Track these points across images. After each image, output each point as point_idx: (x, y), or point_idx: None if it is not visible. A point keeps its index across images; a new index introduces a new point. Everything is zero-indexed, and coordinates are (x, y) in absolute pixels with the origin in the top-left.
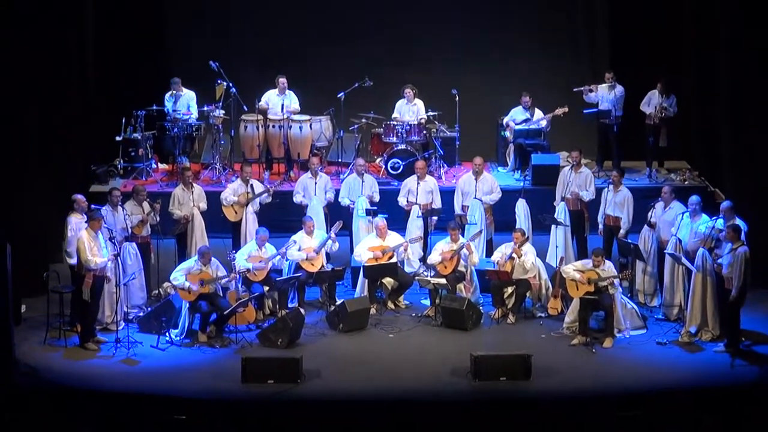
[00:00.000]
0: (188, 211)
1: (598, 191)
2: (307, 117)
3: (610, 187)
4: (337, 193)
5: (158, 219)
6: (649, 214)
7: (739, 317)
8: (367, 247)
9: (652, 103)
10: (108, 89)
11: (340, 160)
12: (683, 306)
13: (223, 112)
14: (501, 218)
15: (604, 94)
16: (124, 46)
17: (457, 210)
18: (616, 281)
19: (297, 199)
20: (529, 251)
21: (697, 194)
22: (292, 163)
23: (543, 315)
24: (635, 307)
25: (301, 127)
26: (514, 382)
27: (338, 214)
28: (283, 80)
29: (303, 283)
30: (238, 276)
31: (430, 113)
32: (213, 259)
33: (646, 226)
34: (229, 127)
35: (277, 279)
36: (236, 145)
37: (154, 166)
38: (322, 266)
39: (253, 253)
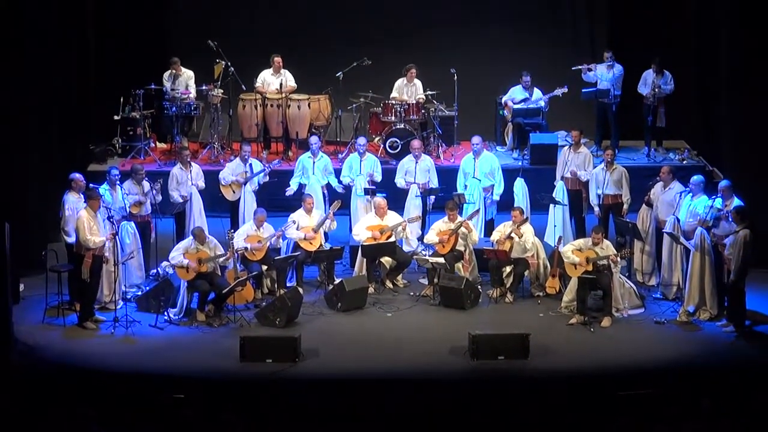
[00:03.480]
0: (187, 191)
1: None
2: (306, 96)
3: (604, 165)
4: (337, 172)
5: (160, 198)
6: (649, 193)
7: (744, 296)
8: (365, 226)
9: (647, 82)
10: (107, 68)
11: (338, 139)
12: (681, 285)
13: (222, 91)
14: (501, 197)
15: (603, 74)
16: (123, 25)
17: (460, 190)
18: (618, 258)
19: (293, 183)
20: (527, 231)
21: (700, 174)
22: (291, 142)
23: (541, 294)
24: (633, 286)
25: (299, 106)
26: (512, 361)
27: (337, 193)
28: (278, 59)
29: (301, 262)
30: (235, 254)
31: (429, 92)
32: (211, 237)
33: (644, 205)
34: (228, 106)
35: (276, 258)
36: (234, 124)
37: (152, 145)
38: (321, 245)
39: (251, 233)
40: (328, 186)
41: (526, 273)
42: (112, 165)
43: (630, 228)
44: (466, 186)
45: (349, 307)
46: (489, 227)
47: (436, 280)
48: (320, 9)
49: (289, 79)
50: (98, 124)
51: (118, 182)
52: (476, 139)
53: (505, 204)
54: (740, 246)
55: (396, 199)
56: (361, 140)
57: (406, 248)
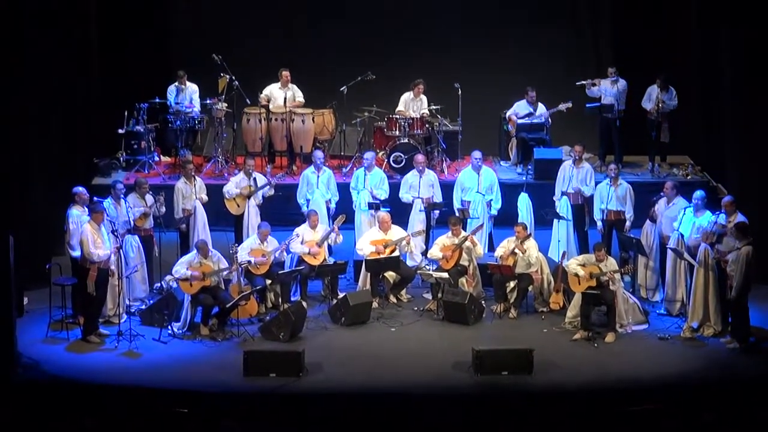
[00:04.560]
0: (191, 205)
1: (596, 186)
2: (310, 110)
3: (609, 181)
4: (340, 186)
5: (164, 210)
6: (653, 208)
7: (747, 312)
8: (369, 240)
9: (651, 98)
10: (111, 82)
11: (342, 153)
12: (685, 301)
13: (226, 105)
14: (503, 212)
15: (607, 89)
16: (127, 38)
17: (457, 205)
18: (617, 275)
19: (301, 199)
20: (531, 246)
21: (701, 189)
22: (295, 156)
23: (545, 310)
24: (637, 302)
25: (303, 120)
26: (515, 377)
27: (341, 208)
28: (286, 73)
29: (305, 276)
30: (239, 268)
31: (433, 107)
32: (214, 251)
33: (648, 220)
34: (232, 120)
35: (280, 272)
36: (239, 138)
37: (156, 158)
38: (325, 260)
39: (255, 247)
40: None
41: (530, 288)
42: (116, 178)
43: (634, 244)
44: (465, 202)
45: (352, 321)
46: (489, 242)
47: (439, 295)
48: (324, 23)
49: (297, 94)
50: (102, 138)
51: (122, 196)
52: (478, 154)
53: (509, 219)
54: (742, 262)
55: (400, 214)
56: (368, 155)
57: (409, 263)
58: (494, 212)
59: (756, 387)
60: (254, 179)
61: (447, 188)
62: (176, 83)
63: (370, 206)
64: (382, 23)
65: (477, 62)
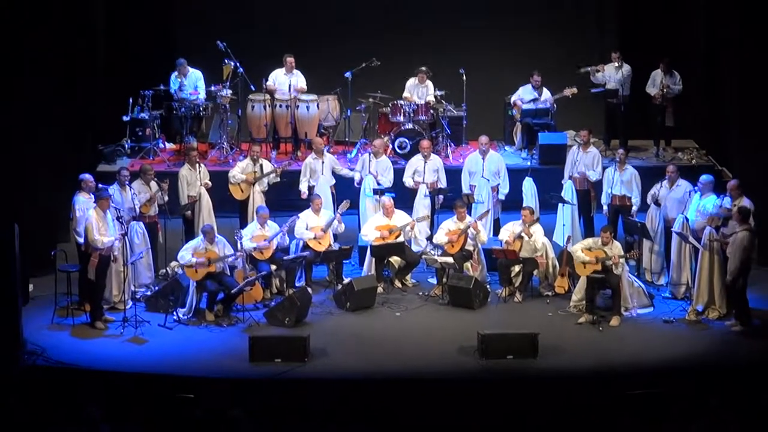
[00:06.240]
0: (196, 191)
1: (604, 171)
2: (314, 96)
3: (616, 166)
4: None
5: (167, 198)
6: (652, 191)
7: (746, 296)
8: (374, 226)
9: (656, 82)
10: (116, 68)
11: (347, 139)
12: (690, 284)
13: (231, 91)
14: (508, 197)
15: (612, 74)
16: (132, 25)
17: (465, 190)
18: (622, 260)
19: (303, 186)
20: (538, 231)
21: (708, 174)
22: (299, 143)
23: (550, 293)
24: (642, 285)
25: (308, 107)
26: (521, 361)
27: (345, 194)
28: (290, 59)
29: (310, 262)
30: (244, 254)
31: (438, 92)
32: (219, 237)
33: (653, 204)
34: (237, 107)
35: (285, 258)
36: (243, 124)
37: (161, 145)
38: (330, 245)
39: (256, 233)
40: (336, 186)
41: (535, 272)
42: (122, 165)
43: (639, 228)
44: (471, 186)
45: (358, 306)
46: (495, 226)
47: (444, 280)
48: (329, 9)
49: (300, 80)
50: (107, 125)
51: (127, 182)
52: (484, 139)
53: (514, 203)
54: (737, 247)
55: (405, 199)
56: (377, 142)
57: (414, 248)
58: (502, 197)
59: (760, 370)
60: (260, 165)
61: (451, 173)
62: (176, 73)
63: (375, 191)
64: (387, 8)
65: (482, 47)
